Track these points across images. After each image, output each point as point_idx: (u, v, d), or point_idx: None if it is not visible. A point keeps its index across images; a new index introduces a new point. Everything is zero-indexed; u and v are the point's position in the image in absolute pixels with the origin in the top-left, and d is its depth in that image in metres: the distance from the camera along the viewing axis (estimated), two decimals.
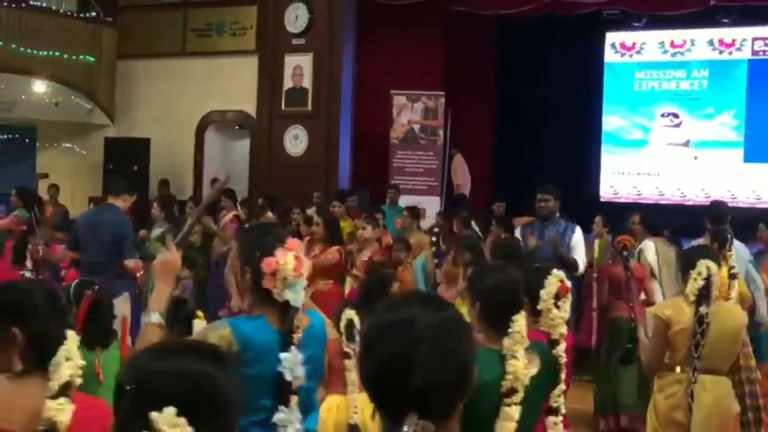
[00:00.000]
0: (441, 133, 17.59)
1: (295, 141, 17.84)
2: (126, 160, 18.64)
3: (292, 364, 3.87)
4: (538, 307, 4.69)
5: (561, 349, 4.62)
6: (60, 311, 3.44)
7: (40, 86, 18.56)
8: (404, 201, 15.75)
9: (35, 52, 18.18)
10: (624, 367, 9.56)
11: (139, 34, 19.53)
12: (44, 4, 19.58)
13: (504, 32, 19.25)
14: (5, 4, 18.37)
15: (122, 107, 19.85)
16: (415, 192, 16.96)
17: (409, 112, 17.65)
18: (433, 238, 11.26)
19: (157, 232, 13.47)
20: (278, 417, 3.87)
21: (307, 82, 17.72)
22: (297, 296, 3.93)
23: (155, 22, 19.45)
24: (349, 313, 6.14)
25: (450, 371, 2.23)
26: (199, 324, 6.35)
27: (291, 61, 17.83)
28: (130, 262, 9.37)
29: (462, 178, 17.93)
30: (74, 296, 6.31)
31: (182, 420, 1.97)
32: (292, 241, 4.04)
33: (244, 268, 4.02)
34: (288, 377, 3.87)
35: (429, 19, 17.80)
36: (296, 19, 17.79)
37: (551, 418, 4.67)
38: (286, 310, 3.93)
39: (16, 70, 18.20)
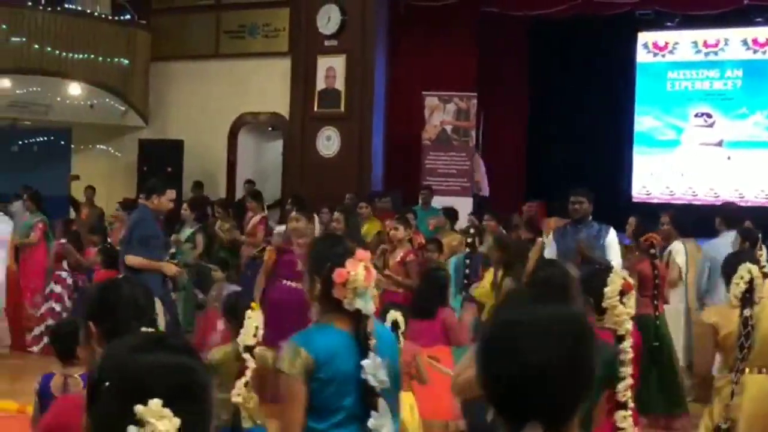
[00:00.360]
0: (473, 134, 17.59)
1: (328, 142, 17.90)
2: (160, 161, 18.76)
3: (373, 369, 3.94)
4: (603, 304, 4.82)
5: (627, 345, 4.78)
6: (140, 310, 3.61)
7: (75, 89, 18.70)
8: (436, 202, 15.77)
9: (70, 55, 18.32)
10: (649, 366, 9.53)
11: (172, 36, 19.66)
12: (79, 8, 19.75)
13: (536, 33, 19.23)
14: (41, 8, 18.55)
15: (156, 109, 19.99)
16: (448, 193, 16.95)
17: (441, 113, 17.65)
18: (469, 240, 11.26)
19: (186, 233, 13.59)
20: (372, 423, 3.94)
21: (339, 84, 17.78)
22: (367, 305, 4.00)
23: (188, 24, 19.58)
24: (394, 314, 6.25)
25: (582, 379, 2.14)
26: (253, 315, 6.39)
27: (323, 62, 17.91)
28: (134, 260, 9.42)
29: (480, 177, 17.95)
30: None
31: (168, 411, 1.98)
32: (361, 252, 4.11)
33: (313, 277, 4.10)
34: (372, 383, 3.94)
35: (461, 20, 17.81)
36: (328, 20, 17.86)
37: (620, 413, 4.78)
38: (357, 318, 4.00)
39: (52, 73, 18.35)
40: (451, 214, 13.71)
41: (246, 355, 6.21)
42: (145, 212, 9.78)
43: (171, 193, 9.74)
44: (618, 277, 4.84)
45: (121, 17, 19.90)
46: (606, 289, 4.80)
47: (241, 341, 6.24)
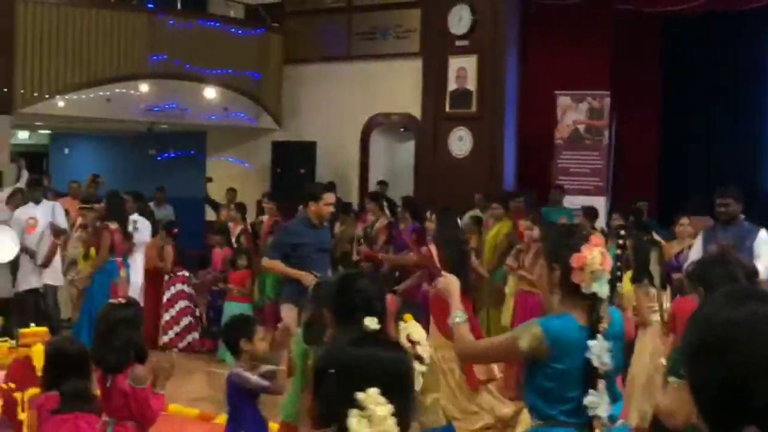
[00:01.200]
0: (606, 133, 17.42)
1: (460, 142, 17.92)
2: (293, 163, 19.03)
3: (599, 351, 4.19)
4: None
5: None
6: (370, 303, 4.24)
7: (210, 93, 19.04)
8: (569, 201, 15.68)
9: (205, 59, 18.67)
10: None
11: (304, 39, 19.92)
12: (214, 12, 20.15)
13: (669, 29, 18.93)
14: (176, 13, 18.98)
15: (289, 111, 20.27)
16: (581, 192, 16.83)
17: (574, 112, 17.53)
18: (620, 241, 11.09)
19: None
20: (589, 400, 4.20)
21: (471, 84, 17.79)
22: (603, 288, 4.25)
23: (320, 27, 19.79)
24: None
25: None
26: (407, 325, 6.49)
27: (455, 62, 17.94)
28: (270, 264, 9.60)
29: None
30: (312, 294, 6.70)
31: (383, 399, 2.28)
32: (595, 237, 4.38)
33: (552, 265, 4.36)
34: (595, 363, 4.19)
35: (593, 18, 17.65)
36: (459, 20, 17.88)
37: None
38: (593, 303, 4.26)
39: (187, 78, 18.73)
40: (590, 212, 13.60)
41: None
42: (301, 218, 9.86)
43: (329, 197, 9.68)
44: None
45: (255, 21, 20.23)
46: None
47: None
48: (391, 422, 2.26)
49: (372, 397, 2.26)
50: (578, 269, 4.23)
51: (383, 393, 2.28)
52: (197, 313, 13.46)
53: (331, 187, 10.95)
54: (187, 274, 13.50)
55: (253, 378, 6.13)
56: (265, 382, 6.14)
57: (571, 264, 4.24)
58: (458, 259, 9.29)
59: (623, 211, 13.28)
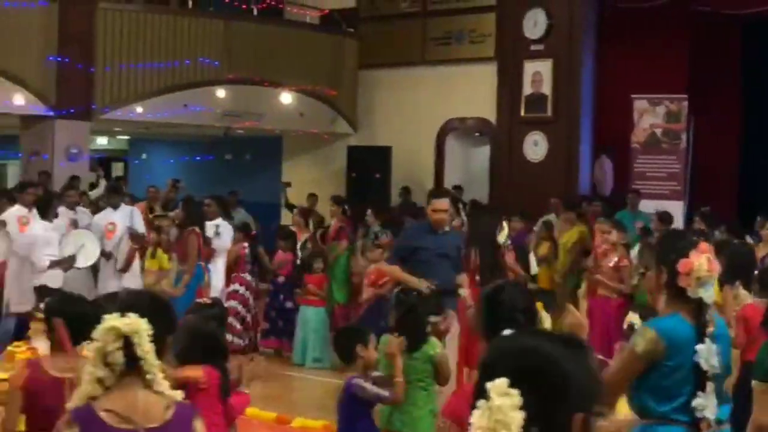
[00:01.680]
0: (684, 136, 17.23)
1: (535, 147, 17.87)
2: (368, 168, 19.10)
3: (706, 354, 4.31)
4: None
5: None
6: (515, 310, 4.30)
7: (286, 98, 19.16)
8: (646, 206, 15.54)
9: (281, 64, 18.80)
10: None
11: (379, 44, 19.95)
12: (290, 18, 20.30)
13: (750, 31, 18.65)
14: (253, 18, 19.16)
15: (364, 116, 20.33)
16: (658, 197, 16.66)
17: (650, 116, 17.37)
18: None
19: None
20: (697, 402, 4.32)
21: (546, 88, 17.73)
22: (708, 294, 4.37)
23: (395, 32, 19.82)
24: (633, 317, 6.32)
25: None
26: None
27: (530, 67, 17.89)
28: (388, 268, 9.64)
29: (600, 175, 17.81)
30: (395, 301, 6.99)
31: (514, 391, 2.10)
32: (703, 244, 4.46)
33: (660, 268, 4.50)
34: (704, 367, 4.31)
35: (671, 20, 17.43)
36: (535, 25, 17.83)
37: None
38: (699, 307, 4.37)
39: (264, 83, 18.87)
40: (664, 217, 13.47)
41: None
42: (422, 223, 9.78)
43: (436, 203, 9.28)
44: None
45: (330, 27, 20.33)
46: None
47: None
48: (515, 415, 2.10)
49: (498, 387, 2.11)
50: (684, 274, 4.35)
51: (520, 387, 2.11)
52: (246, 317, 13.24)
53: (441, 192, 10.52)
54: (249, 277, 13.45)
55: (373, 388, 6.21)
56: (384, 393, 6.23)
57: (677, 268, 4.36)
58: (491, 259, 9.24)
59: (704, 216, 13.15)
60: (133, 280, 12.54)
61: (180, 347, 5.15)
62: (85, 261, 12.00)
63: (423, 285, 8.43)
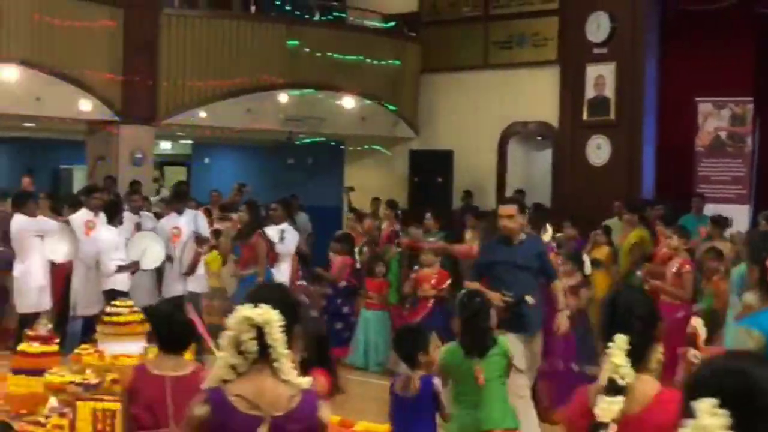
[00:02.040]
0: (749, 140, 17.05)
1: (598, 150, 17.78)
2: (430, 172, 19.12)
3: None
4: None
5: None
6: (631, 318, 3.98)
7: (348, 102, 19.23)
8: (710, 210, 15.39)
9: (343, 68, 18.86)
10: None
11: (441, 48, 19.97)
12: (352, 22, 20.36)
13: None
14: (315, 23, 19.27)
15: (426, 120, 20.35)
16: (722, 201, 16.49)
17: (715, 119, 17.22)
18: None
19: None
20: None
21: (609, 92, 17.64)
22: None
23: (457, 36, 19.84)
24: (697, 322, 6.30)
25: None
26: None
27: (593, 70, 17.81)
28: (468, 284, 9.47)
29: None
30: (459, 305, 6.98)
31: (722, 411, 2.14)
32: None
33: (752, 266, 4.71)
34: None
35: (736, 22, 17.25)
36: (597, 28, 17.75)
37: None
38: None
39: (326, 87, 18.96)
40: (718, 221, 13.29)
41: None
42: (496, 237, 9.58)
43: (503, 209, 8.91)
44: None
45: (392, 30, 20.37)
46: None
47: None
48: None
49: (706, 407, 2.16)
50: None
51: (729, 408, 2.16)
52: None
53: (507, 199, 10.40)
54: (304, 283, 13.46)
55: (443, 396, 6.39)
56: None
57: (767, 266, 4.56)
58: None
59: None
60: (197, 284, 12.63)
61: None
62: (150, 263, 12.12)
63: (496, 298, 8.19)
